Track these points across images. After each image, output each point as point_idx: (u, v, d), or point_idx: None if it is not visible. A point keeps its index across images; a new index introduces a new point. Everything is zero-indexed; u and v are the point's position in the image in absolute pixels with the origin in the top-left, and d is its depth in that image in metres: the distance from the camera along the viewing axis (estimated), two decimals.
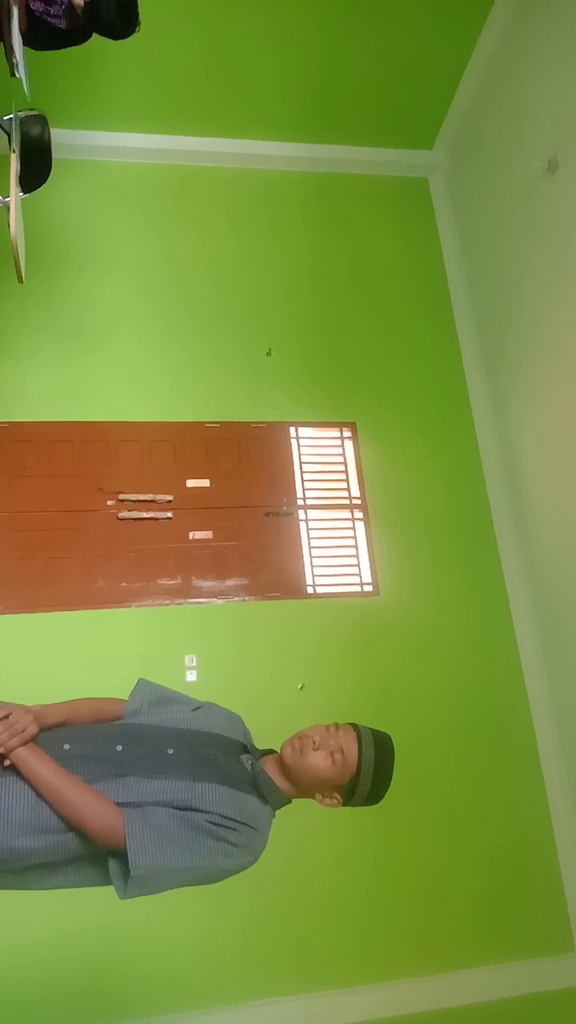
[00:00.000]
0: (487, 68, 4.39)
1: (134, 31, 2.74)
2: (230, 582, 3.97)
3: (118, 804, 1.50)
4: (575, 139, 3.62)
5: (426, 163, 5.03)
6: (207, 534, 4.03)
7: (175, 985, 3.21)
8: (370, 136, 4.86)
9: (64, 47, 2.82)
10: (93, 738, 1.62)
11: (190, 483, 4.11)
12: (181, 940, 3.25)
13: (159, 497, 4.03)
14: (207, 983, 3.24)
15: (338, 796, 1.65)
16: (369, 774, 1.62)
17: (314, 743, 1.62)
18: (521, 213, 4.11)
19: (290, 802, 1.68)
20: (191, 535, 4.01)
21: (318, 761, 1.60)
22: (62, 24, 2.67)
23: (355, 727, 1.66)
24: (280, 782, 1.65)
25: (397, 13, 4.18)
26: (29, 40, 2.70)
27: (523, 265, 4.12)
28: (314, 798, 1.66)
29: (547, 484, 3.98)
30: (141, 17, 2.77)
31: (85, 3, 2.60)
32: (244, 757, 1.67)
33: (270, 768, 1.66)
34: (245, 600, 3.96)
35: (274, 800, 1.64)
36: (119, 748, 1.59)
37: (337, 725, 1.66)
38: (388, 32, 4.28)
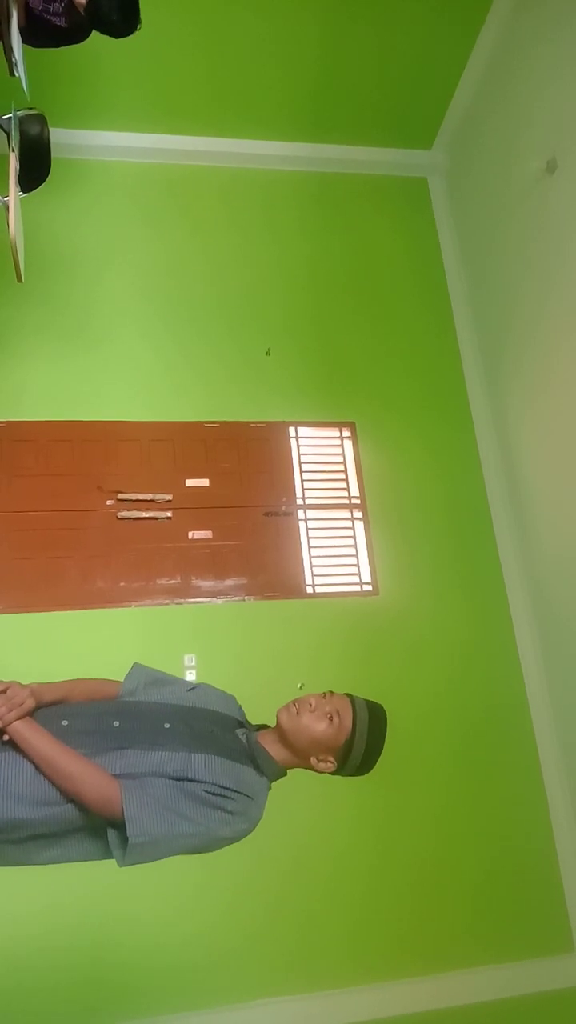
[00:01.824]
0: (486, 68, 4.40)
1: (135, 29, 2.74)
2: (229, 582, 3.97)
3: (115, 776, 1.53)
4: (573, 140, 3.62)
5: (425, 163, 5.03)
6: (206, 534, 4.03)
7: (174, 984, 3.20)
8: (369, 136, 4.86)
9: (63, 45, 2.82)
10: (90, 715, 1.65)
11: (189, 483, 4.11)
12: (180, 940, 3.24)
13: (158, 497, 4.03)
14: (206, 983, 3.24)
15: (333, 759, 1.68)
16: (363, 737, 1.67)
17: (310, 706, 1.68)
18: (520, 213, 4.11)
19: (285, 774, 1.71)
20: (190, 535, 4.01)
21: (314, 722, 1.66)
22: (61, 22, 2.67)
23: (348, 694, 1.73)
24: (275, 752, 1.68)
25: (396, 12, 4.18)
26: (27, 38, 2.70)
27: (522, 265, 4.13)
28: (309, 763, 1.69)
29: (547, 484, 3.98)
30: (141, 16, 2.77)
31: (87, 1, 2.59)
32: (239, 731, 1.72)
33: (265, 740, 1.70)
34: (244, 600, 3.95)
35: (270, 771, 1.67)
36: (116, 724, 1.62)
37: (331, 692, 1.72)
38: (387, 32, 4.28)
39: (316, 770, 1.69)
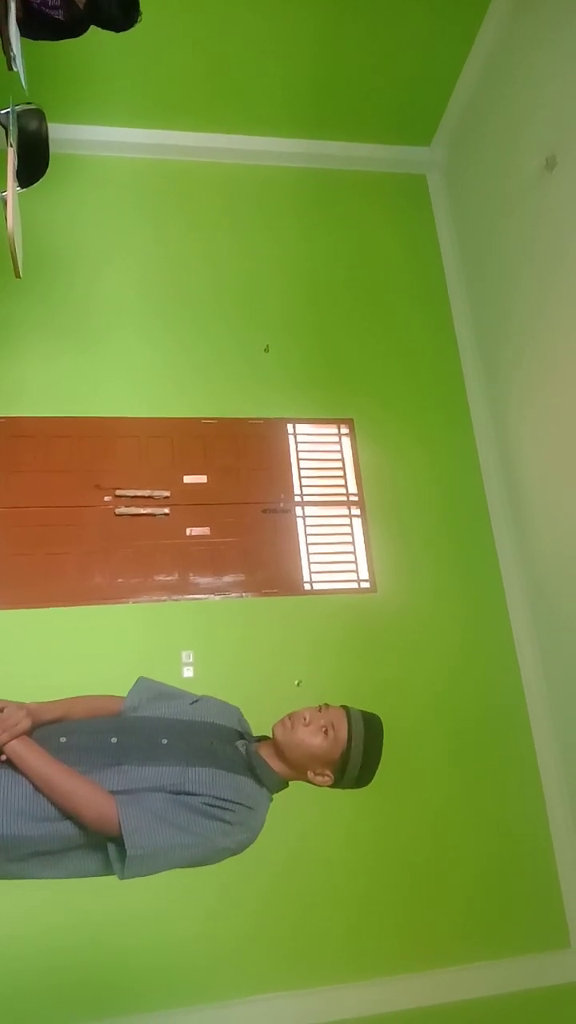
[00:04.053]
0: (485, 65, 4.39)
1: (134, 23, 2.73)
2: (227, 578, 3.97)
3: (112, 792, 1.53)
4: (573, 137, 3.62)
5: (424, 160, 5.03)
6: (204, 530, 4.03)
7: (171, 981, 3.21)
8: (368, 132, 4.85)
9: (61, 39, 2.80)
10: (89, 731, 1.65)
11: (187, 479, 4.10)
12: (177, 937, 3.25)
13: (156, 493, 4.02)
14: (203, 979, 3.24)
15: (330, 773, 1.67)
16: (359, 750, 1.65)
17: (304, 720, 1.66)
18: (519, 211, 4.11)
19: (287, 785, 1.71)
20: (188, 531, 4.01)
21: (309, 736, 1.65)
22: (60, 16, 2.65)
23: (344, 707, 1.71)
24: (275, 763, 1.67)
25: (395, 8, 4.17)
26: (25, 30, 2.68)
27: (521, 262, 4.12)
28: (307, 777, 1.69)
29: (544, 481, 3.98)
30: (140, 10, 2.76)
31: None
32: (239, 743, 1.71)
33: (265, 751, 1.70)
34: (242, 596, 3.95)
35: (270, 781, 1.67)
36: (114, 740, 1.62)
37: (327, 705, 1.71)
38: (386, 28, 4.27)
39: (313, 783, 1.69)
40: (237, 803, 1.56)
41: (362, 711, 1.72)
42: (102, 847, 1.55)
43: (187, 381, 4.26)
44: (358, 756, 1.65)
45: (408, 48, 4.38)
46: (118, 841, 1.51)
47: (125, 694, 1.82)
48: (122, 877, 1.53)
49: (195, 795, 1.54)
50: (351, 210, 4.83)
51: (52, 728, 1.64)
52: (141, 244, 4.48)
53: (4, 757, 1.54)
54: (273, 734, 1.69)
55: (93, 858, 1.57)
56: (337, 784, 1.69)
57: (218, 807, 1.54)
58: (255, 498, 4.16)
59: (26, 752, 1.53)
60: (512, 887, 3.63)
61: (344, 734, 1.65)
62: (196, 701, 1.79)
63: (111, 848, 1.53)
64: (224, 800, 1.55)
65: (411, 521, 4.23)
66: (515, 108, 4.14)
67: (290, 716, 1.69)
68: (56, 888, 3.05)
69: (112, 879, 1.55)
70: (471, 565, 4.21)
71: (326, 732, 1.64)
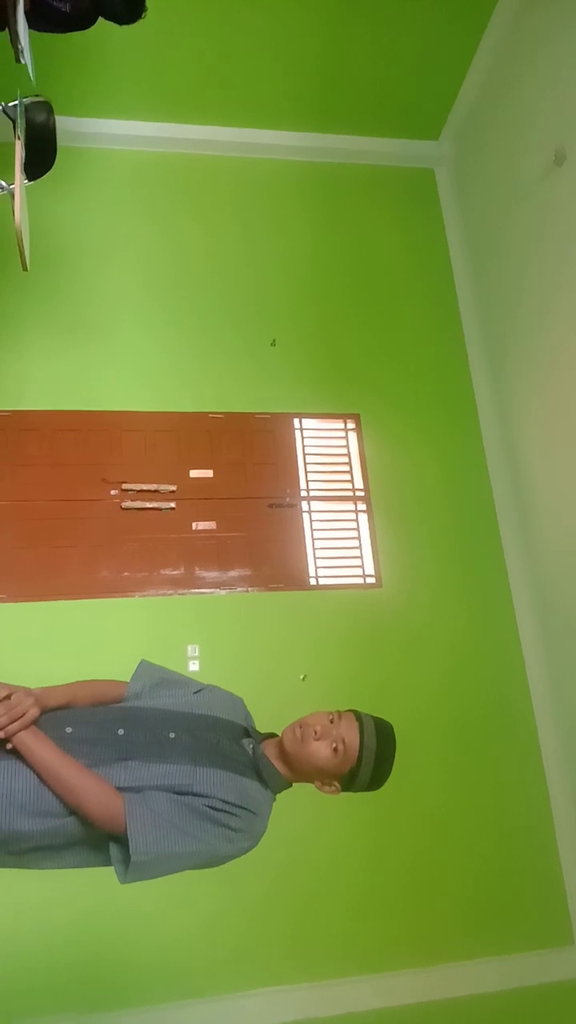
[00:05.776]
0: (494, 59, 4.36)
1: (140, 16, 2.74)
2: (233, 573, 3.97)
3: (119, 788, 1.50)
4: None
5: (432, 154, 5.00)
6: (210, 525, 4.03)
7: (172, 974, 3.22)
8: (375, 126, 4.83)
9: (68, 32, 2.80)
10: (95, 721, 1.61)
11: (193, 473, 4.10)
12: (179, 930, 3.25)
13: (162, 487, 4.03)
14: (204, 973, 3.25)
15: (337, 784, 1.64)
16: (370, 764, 1.61)
17: (316, 732, 1.60)
18: (527, 206, 4.09)
19: (291, 786, 1.68)
20: (194, 525, 4.01)
21: (319, 751, 1.60)
22: (66, 8, 2.65)
23: (358, 716, 1.65)
24: (280, 766, 1.64)
25: (403, 2, 4.14)
26: (31, 22, 2.68)
27: (529, 258, 4.10)
28: (313, 784, 1.66)
29: (550, 477, 3.97)
30: (147, 3, 2.76)
31: None
32: (245, 741, 1.67)
33: (271, 752, 1.66)
34: (248, 591, 3.95)
35: (274, 784, 1.64)
36: (121, 732, 1.59)
37: (339, 713, 1.65)
38: (394, 21, 4.24)
39: (320, 791, 1.65)
40: (242, 808, 1.53)
41: (375, 719, 1.66)
42: (104, 844, 1.52)
43: (193, 375, 4.25)
44: (368, 770, 1.61)
45: (416, 41, 4.35)
46: (122, 842, 1.48)
47: (128, 680, 1.80)
48: (123, 881, 1.50)
49: (202, 796, 1.51)
50: (358, 204, 4.81)
51: (57, 716, 1.60)
52: (147, 238, 4.47)
53: (10, 746, 1.51)
54: (282, 740, 1.65)
55: (94, 854, 1.55)
56: (344, 791, 1.66)
57: (224, 811, 1.51)
58: (261, 493, 4.15)
59: (34, 743, 1.49)
60: (515, 883, 3.63)
61: (355, 750, 1.60)
62: (200, 691, 1.76)
63: (113, 848, 1.50)
64: (230, 804, 1.52)
65: (417, 516, 4.22)
66: (524, 102, 4.11)
67: (300, 724, 1.63)
68: (56, 884, 3.08)
69: (111, 876, 1.54)
70: (476, 560, 4.21)
71: (336, 749, 1.59)
